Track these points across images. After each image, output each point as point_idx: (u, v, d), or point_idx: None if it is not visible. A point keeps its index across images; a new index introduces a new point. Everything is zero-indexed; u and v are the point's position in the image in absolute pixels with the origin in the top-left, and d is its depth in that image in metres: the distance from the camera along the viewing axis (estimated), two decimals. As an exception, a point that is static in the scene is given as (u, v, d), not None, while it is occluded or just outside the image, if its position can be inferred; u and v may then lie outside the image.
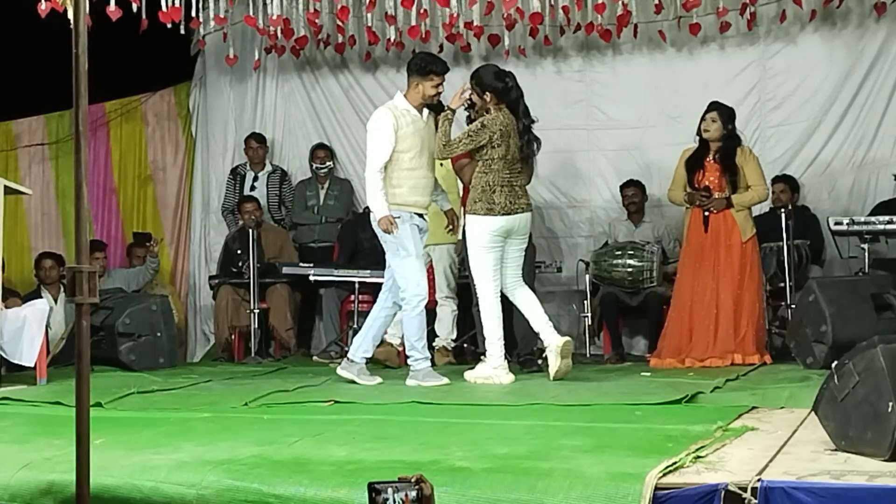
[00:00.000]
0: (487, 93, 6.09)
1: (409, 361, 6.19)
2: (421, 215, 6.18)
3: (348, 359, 6.23)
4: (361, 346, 6.22)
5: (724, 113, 6.91)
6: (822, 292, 6.06)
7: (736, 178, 6.86)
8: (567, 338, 6.05)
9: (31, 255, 8.83)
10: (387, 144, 6.01)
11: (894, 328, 5.69)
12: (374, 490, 2.54)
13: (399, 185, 6.06)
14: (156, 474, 3.42)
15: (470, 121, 6.90)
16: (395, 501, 2.53)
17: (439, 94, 6.17)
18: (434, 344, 7.30)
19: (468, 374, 6.10)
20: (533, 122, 6.20)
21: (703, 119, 6.94)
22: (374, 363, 6.81)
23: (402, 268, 6.04)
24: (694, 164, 6.93)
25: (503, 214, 6.01)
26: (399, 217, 6.01)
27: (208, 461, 3.54)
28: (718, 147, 6.90)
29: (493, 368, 6.01)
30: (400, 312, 6.85)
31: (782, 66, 8.14)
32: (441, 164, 6.59)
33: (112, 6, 6.89)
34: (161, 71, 9.23)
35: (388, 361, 7.01)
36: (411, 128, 6.09)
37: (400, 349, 7.16)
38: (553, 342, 5.99)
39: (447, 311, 7.41)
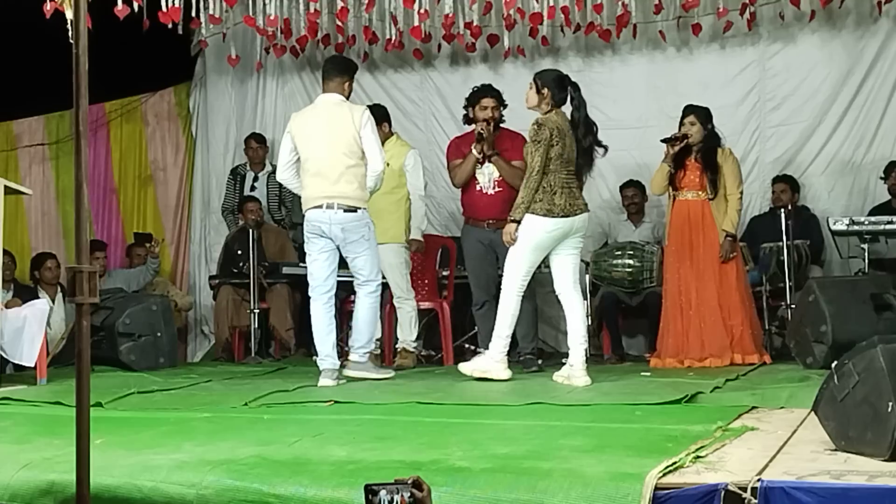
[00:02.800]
0: (546, 89, 6.03)
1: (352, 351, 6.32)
2: None
3: (353, 361, 6.27)
4: (364, 345, 6.29)
5: (701, 114, 6.93)
6: (821, 292, 6.06)
7: (716, 176, 6.87)
8: (588, 382, 5.88)
9: (31, 255, 8.83)
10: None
11: (894, 328, 5.69)
12: (370, 491, 2.55)
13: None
14: (156, 474, 3.42)
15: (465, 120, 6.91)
16: (390, 502, 2.53)
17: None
18: (396, 346, 7.34)
19: (464, 366, 6.08)
20: (596, 137, 6.12)
21: (681, 123, 6.95)
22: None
23: (373, 260, 6.25)
24: (675, 164, 6.94)
25: (562, 216, 5.93)
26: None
27: (208, 461, 3.54)
28: (700, 147, 6.92)
29: (493, 362, 6.00)
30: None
31: (782, 66, 8.14)
32: (388, 164, 6.69)
33: (119, 5, 6.89)
34: (161, 71, 9.23)
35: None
36: None
37: (377, 352, 7.20)
38: (576, 374, 5.90)
39: (405, 312, 7.27)
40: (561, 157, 5.93)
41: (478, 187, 6.79)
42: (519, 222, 5.92)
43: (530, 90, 6.06)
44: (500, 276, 6.90)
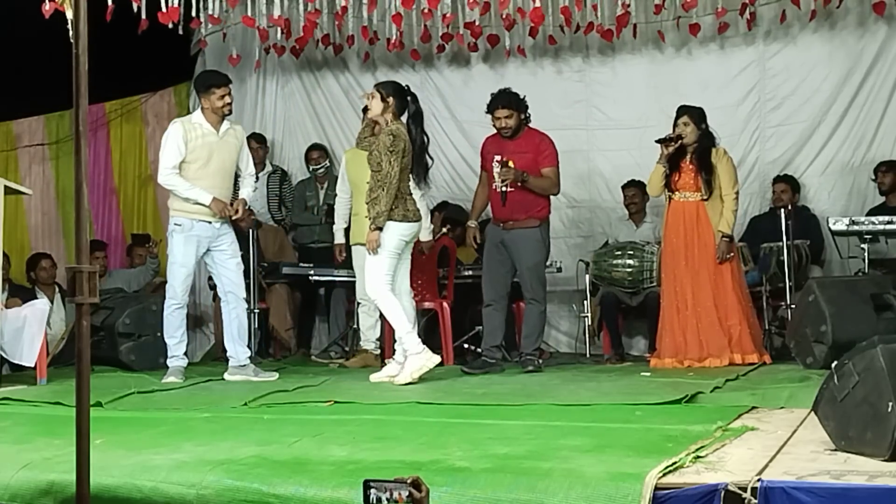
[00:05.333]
0: (391, 98, 6.21)
1: (168, 353, 6.56)
2: (209, 222, 6.52)
3: (235, 366, 6.55)
4: (238, 350, 6.57)
5: (695, 114, 6.92)
6: (821, 292, 6.06)
7: (711, 177, 6.86)
8: (388, 379, 6.17)
9: (31, 255, 8.83)
10: (175, 152, 6.45)
11: (894, 328, 5.69)
12: (368, 487, 2.56)
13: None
14: (156, 474, 3.42)
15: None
16: (387, 500, 2.54)
17: (228, 103, 6.53)
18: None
19: (399, 379, 6.03)
20: (426, 148, 6.39)
21: (675, 124, 6.94)
22: (351, 370, 6.99)
23: (168, 272, 6.56)
24: (671, 165, 6.94)
25: (415, 221, 6.26)
26: (180, 225, 6.43)
27: (208, 461, 3.54)
28: (695, 148, 6.92)
29: (417, 357, 6.05)
30: (369, 318, 7.13)
31: (782, 67, 8.15)
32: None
33: (109, 3, 6.89)
34: (161, 71, 9.23)
35: (368, 366, 7.04)
36: (200, 140, 6.46)
37: (377, 353, 7.21)
38: (392, 372, 6.22)
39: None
40: (408, 167, 6.23)
41: (493, 185, 6.79)
42: (381, 230, 6.11)
43: (373, 99, 6.27)
44: (513, 279, 6.91)
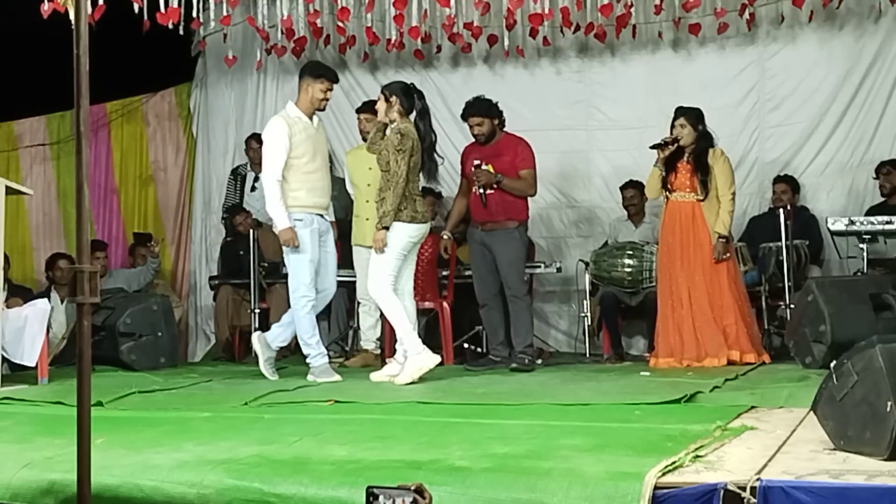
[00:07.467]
0: (394, 97, 6.22)
1: (307, 360, 6.38)
2: (322, 216, 6.44)
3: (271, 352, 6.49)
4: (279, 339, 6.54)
5: (692, 116, 6.93)
6: (820, 292, 6.07)
7: (707, 178, 6.87)
8: (389, 378, 6.15)
9: (32, 255, 8.85)
10: (282, 151, 6.23)
11: (893, 328, 5.70)
12: (371, 494, 2.55)
13: (298, 189, 6.31)
14: (157, 474, 3.43)
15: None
16: None
17: (327, 99, 6.44)
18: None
19: (400, 379, 6.03)
20: (434, 146, 6.36)
21: (672, 126, 6.96)
22: (351, 370, 6.94)
23: (295, 268, 6.27)
24: (667, 166, 6.96)
25: (423, 222, 6.25)
26: (301, 220, 6.27)
27: (209, 460, 3.55)
28: (692, 149, 6.93)
29: (418, 356, 6.06)
30: (369, 318, 7.18)
31: (781, 67, 8.16)
32: (370, 169, 6.74)
33: (100, 2, 6.89)
34: (162, 71, 9.24)
35: (368, 366, 7.05)
36: (303, 134, 6.33)
37: (377, 353, 7.25)
38: (393, 371, 6.19)
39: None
40: (417, 167, 6.22)
41: (473, 189, 6.86)
42: (388, 229, 6.10)
43: (379, 102, 6.28)
44: (499, 278, 6.94)
